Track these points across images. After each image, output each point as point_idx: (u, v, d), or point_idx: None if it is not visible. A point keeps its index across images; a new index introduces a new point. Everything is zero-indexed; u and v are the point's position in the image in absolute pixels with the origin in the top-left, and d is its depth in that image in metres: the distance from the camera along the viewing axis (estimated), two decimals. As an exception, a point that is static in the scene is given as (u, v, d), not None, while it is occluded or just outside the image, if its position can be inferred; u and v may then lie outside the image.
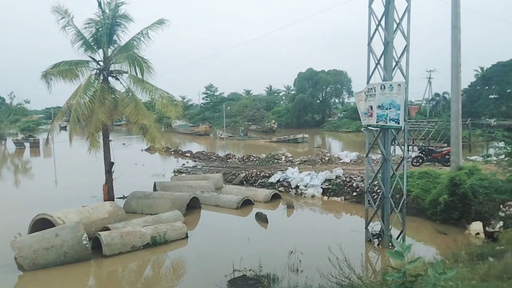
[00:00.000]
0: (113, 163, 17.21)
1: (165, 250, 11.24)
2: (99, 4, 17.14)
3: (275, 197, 16.86)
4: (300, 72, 79.67)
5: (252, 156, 28.44)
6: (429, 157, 20.21)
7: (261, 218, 13.83)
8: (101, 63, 17.44)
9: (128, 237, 10.92)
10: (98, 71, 17.36)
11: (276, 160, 25.65)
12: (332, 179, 17.65)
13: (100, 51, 17.50)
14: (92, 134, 16.17)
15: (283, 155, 26.38)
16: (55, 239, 9.96)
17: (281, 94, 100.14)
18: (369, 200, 11.42)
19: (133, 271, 10.29)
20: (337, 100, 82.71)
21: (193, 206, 15.36)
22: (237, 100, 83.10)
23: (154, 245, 11.20)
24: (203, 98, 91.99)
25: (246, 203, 15.83)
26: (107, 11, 17.44)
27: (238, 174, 21.25)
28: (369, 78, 11.33)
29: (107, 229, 11.56)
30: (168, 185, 17.95)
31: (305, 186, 17.85)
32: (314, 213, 15.97)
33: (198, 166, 26.99)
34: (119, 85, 17.91)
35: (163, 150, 36.76)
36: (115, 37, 17.70)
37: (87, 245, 10.17)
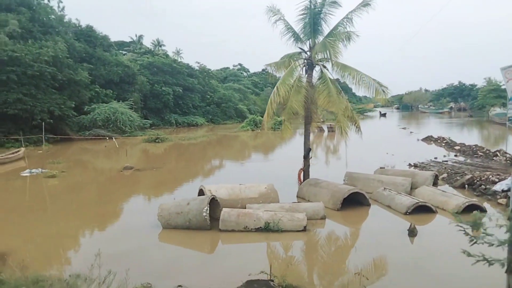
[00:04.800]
0: (310, 149, 17.84)
1: (275, 238, 11.19)
2: None
3: (472, 208, 12.72)
4: None
5: None
6: None
7: (411, 232, 11.06)
8: (308, 53, 18.24)
9: (243, 217, 11.59)
10: (305, 61, 18.25)
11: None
12: None
13: (309, 42, 18.34)
14: (285, 121, 17.41)
15: None
16: (186, 207, 11.95)
17: None
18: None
19: (224, 249, 10.95)
20: None
21: (361, 202, 14.00)
22: None
23: (266, 230, 11.35)
24: None
25: (424, 210, 12.86)
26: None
27: (464, 175, 17.03)
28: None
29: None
30: (357, 176, 16.84)
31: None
32: None
33: (448, 162, 23.16)
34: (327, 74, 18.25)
35: (437, 141, 33.32)
36: (321, 26, 18.06)
37: (206, 217, 11.61)
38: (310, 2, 17.63)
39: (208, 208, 11.68)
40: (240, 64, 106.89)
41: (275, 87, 17.31)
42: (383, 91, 17.35)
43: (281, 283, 7.73)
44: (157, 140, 37.11)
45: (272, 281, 7.87)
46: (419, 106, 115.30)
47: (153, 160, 28.15)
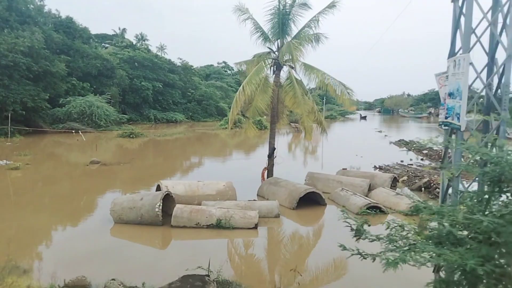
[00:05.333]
0: (274, 148, 18.01)
1: (226, 234, 11.29)
2: None
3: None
4: None
5: None
6: None
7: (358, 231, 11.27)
8: (276, 53, 18.40)
9: (196, 214, 11.67)
10: (273, 61, 18.40)
11: None
12: None
13: (278, 42, 18.50)
14: (249, 119, 17.56)
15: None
16: (139, 202, 11.96)
17: None
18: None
19: (172, 244, 11.03)
20: None
21: (318, 202, 14.23)
22: None
23: (218, 227, 11.45)
24: None
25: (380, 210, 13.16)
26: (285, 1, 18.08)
27: (423, 178, 17.46)
28: (453, 47, 7.36)
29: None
30: (317, 177, 17.09)
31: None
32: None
33: (413, 165, 23.67)
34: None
35: (408, 144, 33.95)
36: (290, 27, 18.25)
37: (158, 212, 11.65)
38: (279, 2, 17.81)
39: (161, 204, 11.73)
40: (224, 62, 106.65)
41: (241, 86, 17.41)
42: (348, 93, 17.69)
43: (216, 278, 7.87)
44: (131, 136, 36.82)
45: (208, 276, 7.99)
46: (399, 110, 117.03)
47: (123, 156, 27.94)
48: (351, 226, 4.26)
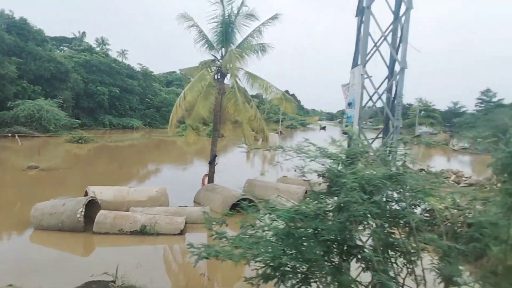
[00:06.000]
0: (216, 155, 18.02)
1: (149, 240, 11.15)
2: None
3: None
4: None
5: (453, 173, 23.02)
6: None
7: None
8: (220, 61, 18.51)
9: (119, 220, 11.46)
10: (217, 68, 18.48)
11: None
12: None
13: (222, 50, 18.64)
14: (192, 127, 17.54)
15: (455, 173, 20.26)
16: (61, 208, 11.60)
17: None
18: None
19: (91, 251, 10.79)
20: None
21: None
22: (514, 106, 68.25)
23: (142, 233, 11.29)
24: (476, 105, 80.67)
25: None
26: (229, 10, 18.28)
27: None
28: (355, 59, 7.69)
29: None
30: (256, 184, 17.24)
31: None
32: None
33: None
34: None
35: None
36: (235, 36, 18.46)
37: (80, 218, 11.34)
38: (224, 11, 17.98)
39: (83, 210, 11.44)
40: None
41: (182, 92, 17.41)
42: (289, 102, 18.11)
43: (122, 284, 7.74)
44: (80, 141, 35.74)
45: (114, 282, 7.85)
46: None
47: (67, 161, 27.07)
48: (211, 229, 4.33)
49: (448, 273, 3.46)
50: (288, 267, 3.02)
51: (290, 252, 3.26)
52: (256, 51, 18.54)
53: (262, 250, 3.17)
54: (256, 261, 3.35)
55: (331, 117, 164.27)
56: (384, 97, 7.80)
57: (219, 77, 18.31)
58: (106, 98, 55.43)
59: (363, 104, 7.64)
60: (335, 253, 3.56)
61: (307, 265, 3.21)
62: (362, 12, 7.05)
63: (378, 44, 7.29)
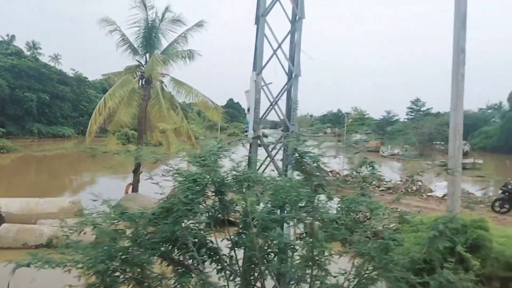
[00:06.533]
0: (139, 164, 17.51)
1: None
2: None
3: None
4: (517, 83, 63.75)
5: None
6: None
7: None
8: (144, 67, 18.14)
9: (23, 233, 10.77)
10: (142, 74, 18.07)
11: (366, 184, 20.91)
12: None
13: (146, 55, 18.28)
14: (113, 134, 17.00)
15: (377, 178, 21.25)
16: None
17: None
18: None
19: None
20: None
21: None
22: (441, 116, 73.41)
23: (48, 247, 10.62)
24: (407, 114, 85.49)
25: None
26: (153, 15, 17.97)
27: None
28: (254, 66, 7.82)
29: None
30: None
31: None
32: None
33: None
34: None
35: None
36: (160, 41, 18.22)
37: (-24, 233, 10.53)
38: (147, 15, 17.68)
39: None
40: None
41: (102, 98, 16.85)
42: (216, 109, 18.14)
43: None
44: (1, 150, 33.33)
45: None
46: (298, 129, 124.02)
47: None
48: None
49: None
50: (118, 273, 2.95)
51: (119, 256, 3.21)
52: (183, 57, 18.40)
53: (82, 254, 3.11)
54: (78, 268, 3.25)
55: (274, 125, 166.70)
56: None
57: (143, 83, 17.93)
58: (34, 105, 52.26)
59: (264, 110, 7.80)
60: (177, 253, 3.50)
61: (138, 269, 3.17)
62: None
63: (276, 52, 7.48)
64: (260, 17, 7.44)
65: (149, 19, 17.60)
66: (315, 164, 4.84)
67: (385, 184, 20.47)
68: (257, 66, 7.57)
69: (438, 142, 55.90)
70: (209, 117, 21.52)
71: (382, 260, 3.50)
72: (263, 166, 7.72)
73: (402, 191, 18.38)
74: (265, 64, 7.64)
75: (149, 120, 18.25)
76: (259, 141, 7.66)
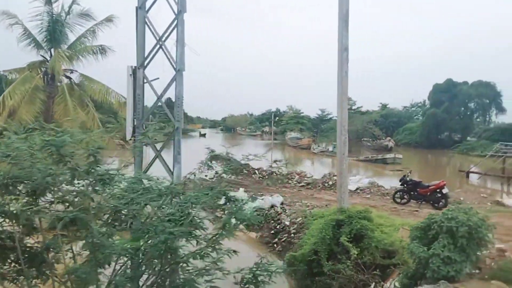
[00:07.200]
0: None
1: None
2: None
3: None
4: (437, 83, 68.81)
5: (297, 173, 24.19)
6: (415, 193, 13.66)
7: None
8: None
9: None
10: (47, 70, 16.88)
11: (287, 180, 21.29)
12: (263, 209, 13.34)
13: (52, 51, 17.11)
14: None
15: (299, 174, 21.74)
16: None
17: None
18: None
19: None
20: (481, 118, 68.41)
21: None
22: (369, 114, 77.04)
23: None
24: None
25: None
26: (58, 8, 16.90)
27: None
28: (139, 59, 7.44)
29: None
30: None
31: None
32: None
33: (214, 179, 24.46)
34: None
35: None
36: (66, 36, 17.18)
37: None
38: (51, 8, 16.55)
39: None
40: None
41: (2, 96, 15.53)
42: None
43: None
44: None
45: None
46: (237, 128, 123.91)
47: None
48: None
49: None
50: None
51: None
52: (94, 52, 17.48)
53: None
54: None
55: (213, 124, 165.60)
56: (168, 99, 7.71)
57: (48, 79, 16.76)
58: None
59: (150, 105, 7.48)
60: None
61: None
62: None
63: (157, 46, 7.18)
64: (138, 9, 7.11)
65: (53, 12, 16.51)
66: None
67: (305, 180, 20.94)
68: (138, 61, 7.23)
69: (365, 139, 58.93)
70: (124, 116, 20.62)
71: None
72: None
73: (319, 186, 18.92)
74: (150, 59, 7.33)
75: (54, 118, 17.13)
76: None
